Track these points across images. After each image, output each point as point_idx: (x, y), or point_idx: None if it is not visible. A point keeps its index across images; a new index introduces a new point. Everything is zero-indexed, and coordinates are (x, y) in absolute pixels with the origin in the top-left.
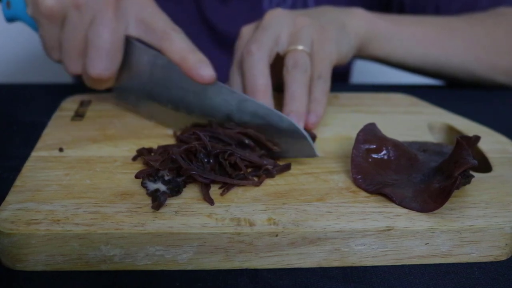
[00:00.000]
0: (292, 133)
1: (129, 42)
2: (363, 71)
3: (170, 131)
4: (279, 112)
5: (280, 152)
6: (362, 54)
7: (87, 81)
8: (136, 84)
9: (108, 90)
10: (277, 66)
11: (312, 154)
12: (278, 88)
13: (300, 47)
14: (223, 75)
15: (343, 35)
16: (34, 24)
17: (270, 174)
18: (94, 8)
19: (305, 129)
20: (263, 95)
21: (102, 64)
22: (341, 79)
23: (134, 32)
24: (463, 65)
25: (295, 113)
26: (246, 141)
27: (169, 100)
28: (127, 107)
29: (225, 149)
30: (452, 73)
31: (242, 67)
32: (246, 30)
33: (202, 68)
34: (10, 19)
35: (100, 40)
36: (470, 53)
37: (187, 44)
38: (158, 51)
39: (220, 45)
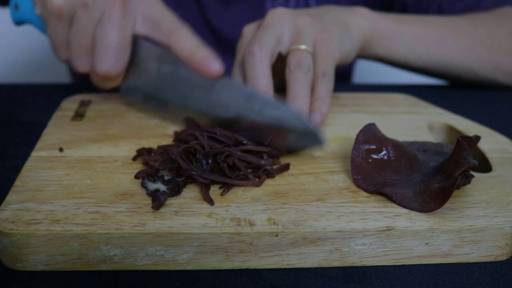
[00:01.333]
0: (300, 125)
1: (135, 40)
2: (365, 72)
3: (170, 131)
4: (287, 106)
5: (289, 144)
6: (365, 54)
7: (95, 79)
8: (143, 82)
9: (112, 90)
10: (280, 66)
11: (320, 144)
12: (281, 88)
13: (303, 47)
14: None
15: (346, 34)
16: (42, 25)
17: (270, 174)
18: (102, 7)
19: None
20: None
21: (110, 62)
22: (343, 79)
23: (141, 30)
24: (466, 65)
25: None
26: (244, 141)
27: (176, 97)
28: (134, 104)
29: (222, 150)
30: (455, 73)
31: (244, 67)
32: (248, 30)
33: (210, 62)
34: (18, 21)
35: (107, 38)
36: (473, 53)
37: (195, 40)
38: (166, 48)
39: (223, 47)
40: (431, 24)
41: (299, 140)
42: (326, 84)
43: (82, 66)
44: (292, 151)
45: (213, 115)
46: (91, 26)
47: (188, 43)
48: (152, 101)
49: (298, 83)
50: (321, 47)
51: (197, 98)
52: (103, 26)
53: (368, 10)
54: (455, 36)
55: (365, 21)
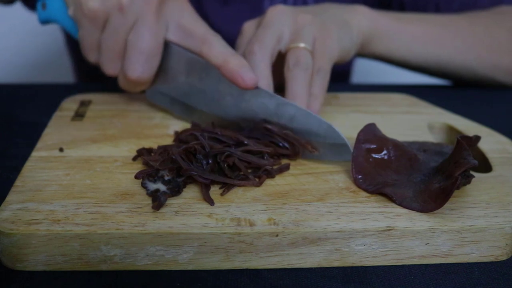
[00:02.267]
0: (330, 137)
1: (166, 45)
2: (364, 71)
3: (170, 131)
4: (318, 116)
5: (318, 155)
6: (363, 52)
7: (123, 83)
8: (171, 87)
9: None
10: (279, 64)
11: (348, 158)
12: (282, 86)
13: (302, 45)
14: None
15: (345, 32)
16: (71, 25)
17: (270, 174)
18: (137, 12)
19: None
20: None
21: (142, 67)
22: (341, 79)
23: (173, 37)
24: (465, 64)
25: None
26: (246, 141)
27: (204, 103)
28: (161, 107)
29: (223, 150)
30: (454, 72)
31: None
32: (248, 27)
33: (245, 73)
34: (45, 20)
35: (141, 44)
36: (472, 52)
37: (228, 49)
38: (197, 55)
39: None
40: (430, 22)
41: (327, 152)
42: (320, 80)
43: (112, 69)
44: (322, 159)
45: (241, 123)
46: (124, 30)
47: (221, 51)
48: (179, 106)
49: (296, 81)
50: (320, 45)
51: (225, 105)
52: (137, 31)
53: (368, 8)
54: (454, 35)
55: (364, 19)
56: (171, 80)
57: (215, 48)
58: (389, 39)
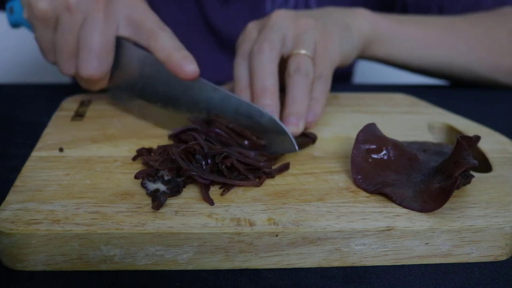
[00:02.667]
0: (273, 128)
1: (119, 42)
2: (365, 72)
3: (170, 132)
4: (260, 108)
5: (263, 147)
6: (365, 55)
7: (80, 81)
8: (128, 84)
9: (105, 91)
10: (280, 67)
11: (292, 149)
12: (281, 89)
13: (303, 51)
14: (224, 76)
15: (346, 36)
16: None
17: (269, 174)
18: (85, 10)
19: (304, 129)
20: (271, 95)
21: (93, 65)
22: (343, 79)
23: (124, 32)
24: (466, 65)
25: (295, 115)
26: (246, 142)
27: (158, 98)
28: (121, 106)
29: (221, 151)
30: (455, 73)
31: (252, 63)
32: (252, 27)
33: (186, 64)
34: (14, 24)
35: (91, 42)
36: (473, 53)
37: (173, 42)
38: (147, 50)
39: (222, 46)
40: (431, 25)
41: (272, 143)
42: (322, 85)
43: (67, 69)
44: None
45: (192, 115)
46: (75, 29)
47: (166, 45)
48: (136, 103)
49: (296, 87)
50: (321, 50)
51: (176, 101)
52: (86, 29)
53: (369, 11)
54: (455, 36)
55: (365, 22)
56: (127, 77)
57: (160, 42)
58: (390, 42)
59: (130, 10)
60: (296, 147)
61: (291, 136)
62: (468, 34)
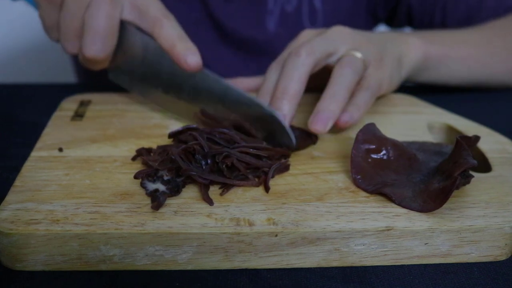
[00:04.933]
0: (272, 122)
1: (123, 25)
2: None
3: (169, 131)
4: (260, 101)
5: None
6: (405, 80)
7: (83, 61)
8: (130, 67)
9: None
10: (322, 74)
11: (290, 145)
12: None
13: (359, 55)
14: (228, 71)
15: (397, 69)
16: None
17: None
18: None
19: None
20: (290, 100)
21: (97, 46)
22: None
23: (128, 16)
24: (500, 79)
25: (328, 111)
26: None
27: (159, 83)
28: (122, 86)
29: (221, 151)
30: (488, 86)
31: (284, 65)
32: (306, 33)
33: (189, 56)
34: None
35: (95, 23)
36: (506, 66)
37: (177, 32)
38: (150, 36)
39: (226, 42)
40: (470, 43)
41: (270, 137)
42: (367, 96)
43: (71, 48)
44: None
45: (192, 107)
46: (80, 10)
47: (170, 34)
48: (138, 87)
49: (340, 80)
50: (374, 70)
51: (178, 87)
52: (91, 11)
53: (418, 39)
54: (490, 53)
55: (417, 55)
56: (130, 60)
57: (165, 31)
58: (434, 69)
59: None
60: (294, 143)
61: (289, 130)
62: (501, 47)
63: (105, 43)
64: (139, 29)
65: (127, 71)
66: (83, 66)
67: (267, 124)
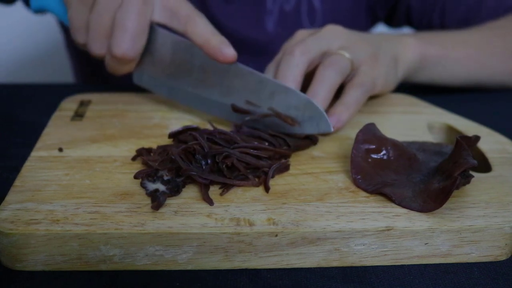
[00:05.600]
0: (309, 109)
1: (151, 27)
2: None
3: (170, 131)
4: (296, 91)
5: (298, 129)
6: (403, 81)
7: (110, 62)
8: (157, 68)
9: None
10: (311, 77)
11: (327, 129)
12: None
13: (347, 55)
14: None
15: (393, 68)
16: (62, 12)
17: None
18: None
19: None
20: None
21: (127, 45)
22: None
23: (159, 18)
24: (500, 80)
25: None
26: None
27: (189, 82)
28: (147, 88)
29: (221, 151)
30: (487, 87)
31: (279, 65)
32: (300, 34)
33: (224, 48)
34: (37, 9)
35: (127, 22)
36: (507, 67)
37: (210, 28)
38: (182, 36)
39: None
40: (470, 44)
41: (307, 124)
42: (358, 94)
43: (98, 48)
44: (301, 133)
45: (224, 102)
46: (112, 9)
47: (203, 30)
48: (165, 88)
49: (323, 81)
50: (367, 68)
51: (209, 85)
52: (124, 9)
53: (415, 39)
54: (490, 54)
55: (414, 54)
56: (157, 62)
57: (198, 27)
58: (433, 68)
59: None
60: (332, 128)
61: (325, 116)
62: (501, 48)
63: (136, 42)
64: (168, 29)
65: (154, 73)
66: (105, 71)
67: (302, 111)
